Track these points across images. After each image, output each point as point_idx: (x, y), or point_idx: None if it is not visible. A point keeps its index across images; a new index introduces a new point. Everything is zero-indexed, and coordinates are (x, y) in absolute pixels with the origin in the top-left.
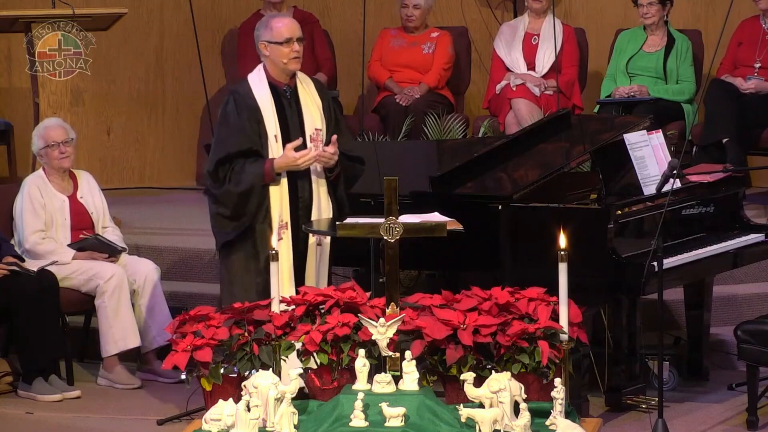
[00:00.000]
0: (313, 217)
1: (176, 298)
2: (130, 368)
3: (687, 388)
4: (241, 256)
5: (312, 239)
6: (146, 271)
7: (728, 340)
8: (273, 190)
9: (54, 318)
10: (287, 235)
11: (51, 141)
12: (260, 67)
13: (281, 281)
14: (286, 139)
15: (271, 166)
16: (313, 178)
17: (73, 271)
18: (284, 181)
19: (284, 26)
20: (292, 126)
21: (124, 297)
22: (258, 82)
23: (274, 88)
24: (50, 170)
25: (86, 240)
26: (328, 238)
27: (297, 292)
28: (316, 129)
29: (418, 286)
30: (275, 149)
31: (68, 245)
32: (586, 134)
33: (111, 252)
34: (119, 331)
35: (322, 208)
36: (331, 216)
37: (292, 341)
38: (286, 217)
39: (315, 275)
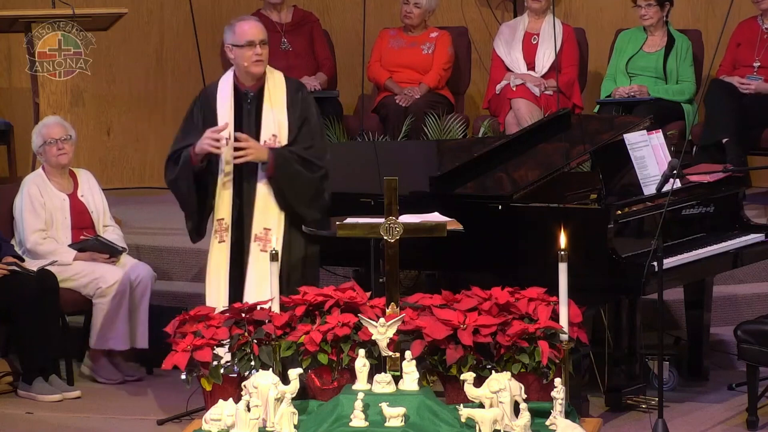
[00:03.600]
0: (257, 223)
1: (176, 298)
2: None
3: (687, 388)
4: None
5: (254, 245)
6: (142, 275)
7: (728, 340)
8: (219, 191)
9: (54, 318)
10: (228, 237)
11: (49, 138)
12: (231, 69)
13: (218, 289)
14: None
15: (193, 149)
16: (261, 182)
17: (76, 273)
18: (229, 182)
19: (249, 29)
20: (247, 131)
21: (124, 302)
22: (224, 86)
23: (238, 91)
24: (50, 169)
25: (87, 241)
26: (280, 248)
27: (233, 302)
28: (272, 135)
29: (418, 286)
30: (227, 153)
31: (69, 246)
32: (586, 134)
33: (111, 252)
34: (111, 331)
35: (269, 214)
36: (282, 226)
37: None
38: (228, 219)
39: (255, 286)
